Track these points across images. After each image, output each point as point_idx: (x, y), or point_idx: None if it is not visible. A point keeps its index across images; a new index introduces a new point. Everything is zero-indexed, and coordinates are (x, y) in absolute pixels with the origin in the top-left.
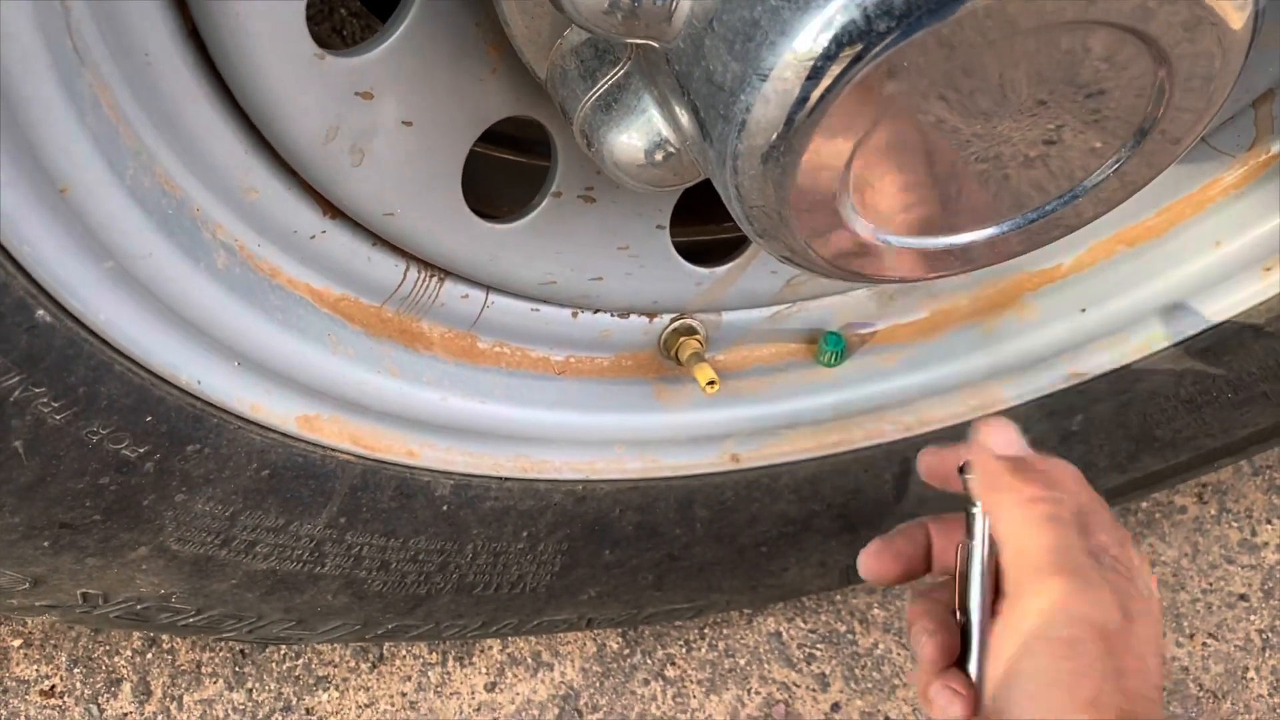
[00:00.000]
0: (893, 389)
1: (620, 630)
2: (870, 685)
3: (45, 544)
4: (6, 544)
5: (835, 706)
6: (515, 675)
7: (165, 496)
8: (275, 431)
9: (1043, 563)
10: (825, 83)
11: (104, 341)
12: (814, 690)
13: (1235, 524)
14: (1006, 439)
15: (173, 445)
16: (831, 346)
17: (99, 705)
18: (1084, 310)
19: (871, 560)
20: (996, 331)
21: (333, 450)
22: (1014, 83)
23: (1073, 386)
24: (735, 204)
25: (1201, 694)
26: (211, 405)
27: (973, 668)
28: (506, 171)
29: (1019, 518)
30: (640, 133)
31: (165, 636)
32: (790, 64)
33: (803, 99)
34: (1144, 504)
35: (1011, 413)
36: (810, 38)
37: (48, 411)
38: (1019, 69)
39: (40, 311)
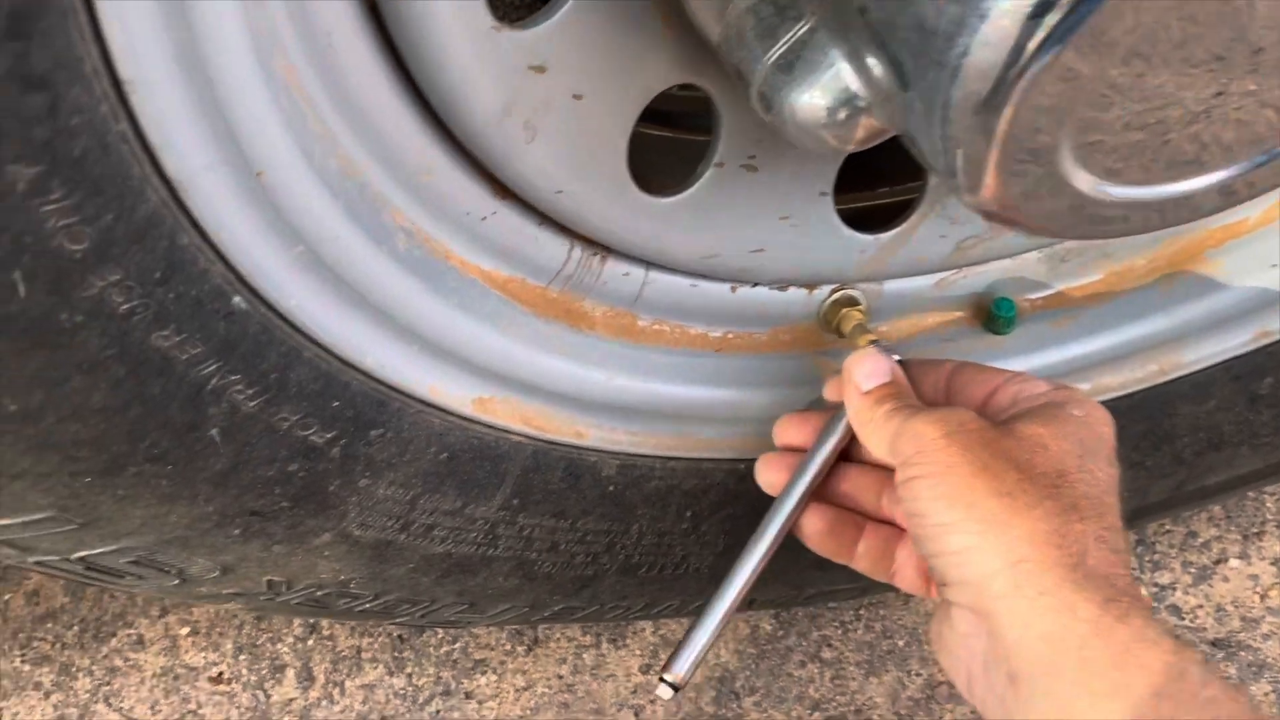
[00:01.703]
0: (1066, 356)
1: (773, 613)
2: None
3: (236, 532)
4: (200, 533)
5: None
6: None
7: (350, 482)
8: (453, 414)
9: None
10: (1050, 24)
11: (294, 327)
12: None
13: None
14: (874, 369)
15: (358, 430)
16: (1003, 313)
17: (265, 691)
18: (1274, 266)
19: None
20: (1176, 291)
21: (506, 432)
22: (1243, 28)
23: (1261, 348)
24: (942, 158)
25: None
26: (394, 389)
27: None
28: (656, 147)
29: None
30: (826, 90)
31: (325, 623)
32: (1012, 5)
33: (1024, 42)
34: None
35: (1195, 377)
36: None
37: (241, 399)
38: (1251, 14)
39: (237, 298)
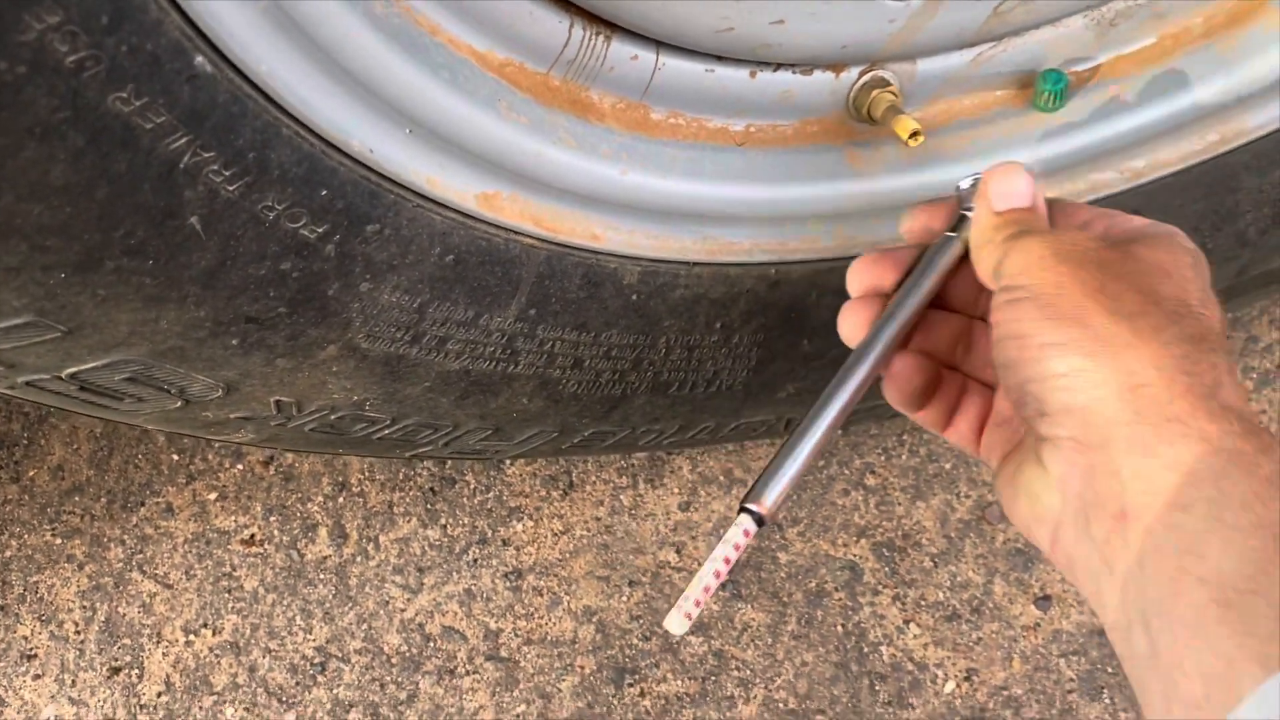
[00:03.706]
0: (1119, 131)
1: None
2: None
3: (234, 342)
4: (195, 342)
5: None
6: (708, 493)
7: (350, 286)
8: (455, 211)
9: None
10: None
11: (268, 98)
12: None
13: None
14: (1012, 189)
15: (351, 225)
16: (1051, 85)
17: (299, 550)
18: None
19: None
20: (1238, 51)
21: (515, 234)
22: None
23: None
24: None
25: None
26: (386, 178)
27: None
28: None
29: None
30: None
31: (354, 480)
32: None
33: None
34: None
35: (1258, 145)
36: None
37: (220, 182)
38: None
39: (199, 58)
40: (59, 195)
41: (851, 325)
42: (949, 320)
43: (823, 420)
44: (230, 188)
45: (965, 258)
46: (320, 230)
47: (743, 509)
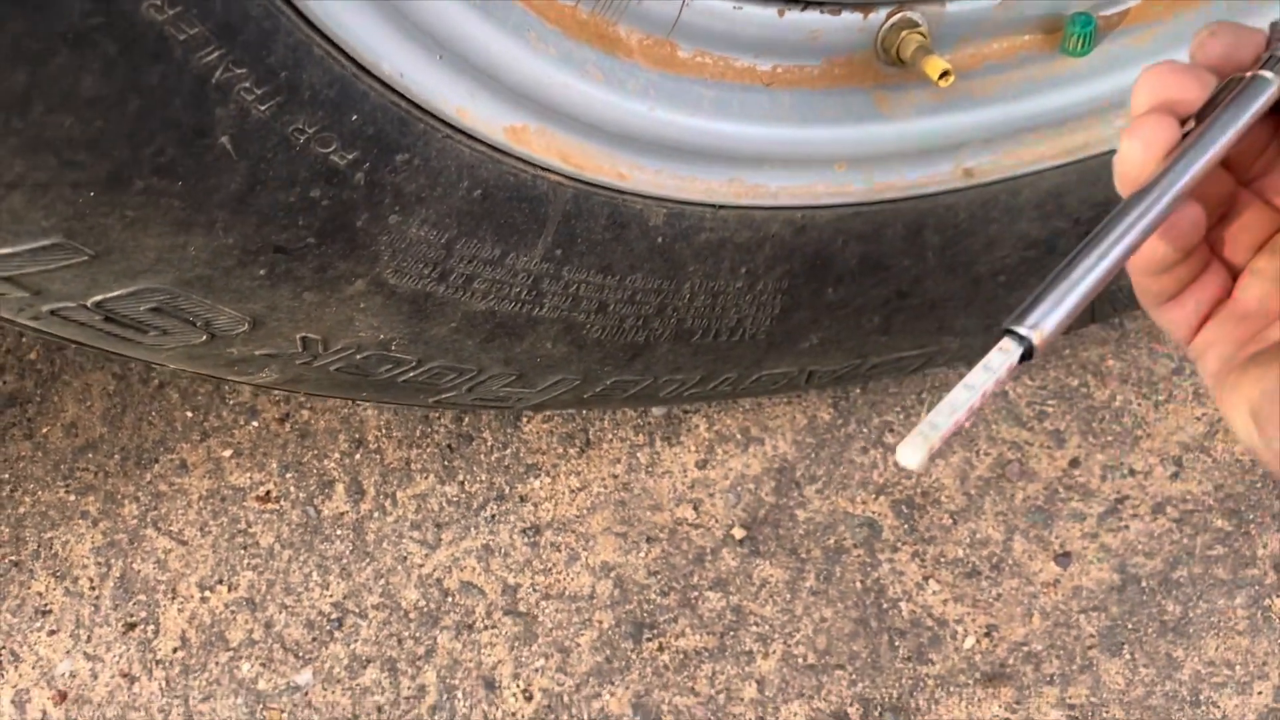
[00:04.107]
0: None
1: (831, 401)
2: (1111, 439)
3: (261, 273)
4: (223, 271)
5: (1074, 462)
6: (726, 451)
7: (379, 217)
8: (484, 143)
9: None
10: None
11: (301, 15)
12: (1049, 447)
13: None
14: None
15: (381, 153)
16: (1080, 29)
17: (315, 507)
18: None
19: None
20: None
21: (543, 169)
22: None
23: None
24: None
25: None
26: (417, 106)
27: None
28: None
29: None
30: None
31: (371, 437)
32: None
33: None
34: None
35: None
36: None
37: (251, 100)
38: None
39: None
40: (90, 107)
41: (1146, 145)
42: (1215, 178)
43: (1113, 248)
44: (261, 107)
45: (1273, 109)
46: (350, 157)
47: (1007, 331)
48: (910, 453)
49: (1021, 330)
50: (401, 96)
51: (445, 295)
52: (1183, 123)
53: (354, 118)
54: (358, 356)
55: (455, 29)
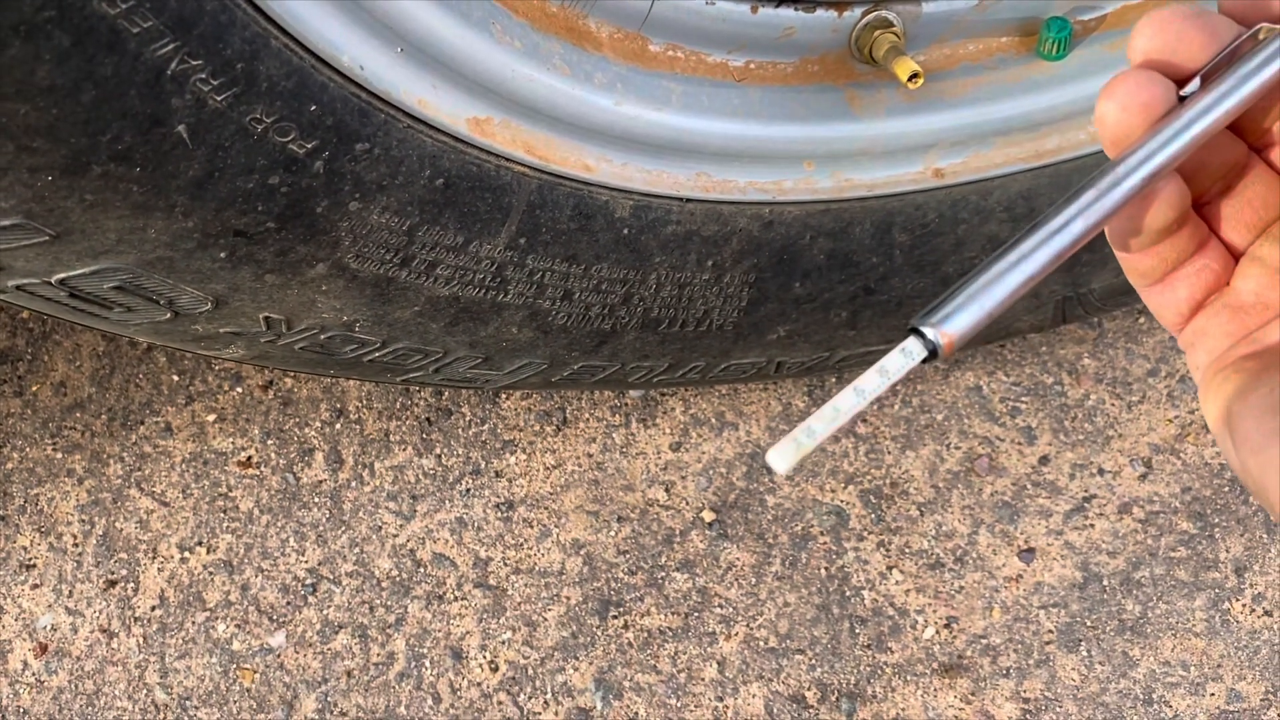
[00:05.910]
0: None
1: (806, 390)
2: (1082, 437)
3: (222, 255)
4: (184, 253)
5: (1044, 459)
6: (700, 435)
7: (339, 204)
8: (446, 134)
9: None
10: None
11: (257, 8)
12: (1019, 444)
13: None
14: None
15: (341, 142)
16: (1056, 33)
17: (294, 474)
18: None
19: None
20: None
21: (507, 160)
22: None
23: None
24: None
25: None
26: (377, 97)
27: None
28: None
29: None
30: None
31: (352, 408)
32: None
33: None
34: None
35: None
36: None
37: (207, 91)
38: None
39: None
40: (45, 96)
41: (1121, 107)
42: (1220, 143)
43: (1051, 238)
44: (218, 97)
45: None
46: (309, 146)
47: (912, 330)
48: (779, 458)
49: (928, 330)
50: (361, 88)
51: (408, 280)
52: (1183, 83)
53: (313, 108)
54: (322, 336)
55: (416, 22)
